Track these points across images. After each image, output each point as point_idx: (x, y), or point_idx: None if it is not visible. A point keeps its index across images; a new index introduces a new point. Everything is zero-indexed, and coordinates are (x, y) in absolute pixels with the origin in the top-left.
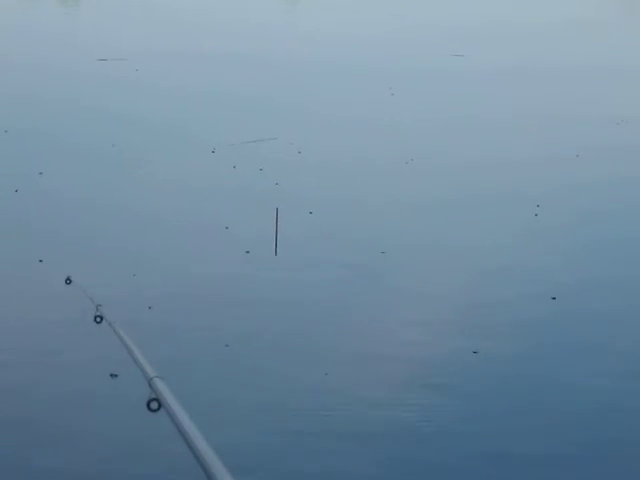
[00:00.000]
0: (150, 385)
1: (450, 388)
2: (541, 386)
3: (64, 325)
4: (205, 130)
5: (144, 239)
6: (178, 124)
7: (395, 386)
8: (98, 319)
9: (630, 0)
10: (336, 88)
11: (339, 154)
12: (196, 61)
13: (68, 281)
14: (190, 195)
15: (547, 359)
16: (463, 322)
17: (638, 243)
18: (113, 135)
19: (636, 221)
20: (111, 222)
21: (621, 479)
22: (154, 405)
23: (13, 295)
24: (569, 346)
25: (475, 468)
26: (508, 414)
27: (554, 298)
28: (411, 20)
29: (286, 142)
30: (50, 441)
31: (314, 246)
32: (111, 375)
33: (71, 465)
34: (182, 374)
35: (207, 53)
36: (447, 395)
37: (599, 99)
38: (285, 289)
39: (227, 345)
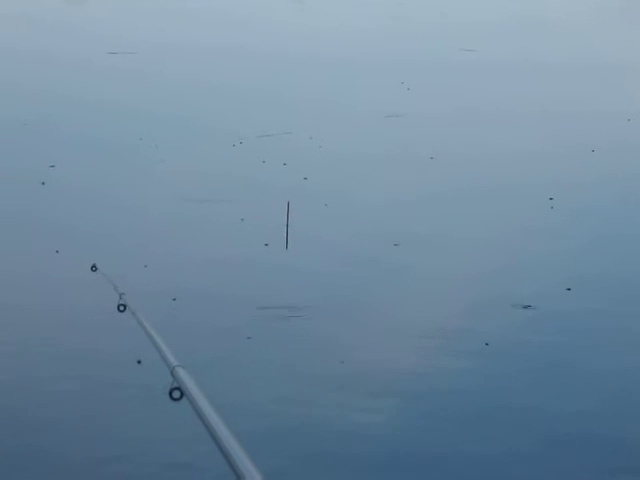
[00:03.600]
0: (172, 374)
1: (461, 379)
2: (555, 377)
3: (87, 313)
4: (217, 123)
5: (157, 231)
6: (191, 117)
7: (407, 376)
8: (121, 307)
9: None
10: (346, 82)
11: (360, 147)
12: (206, 55)
13: (94, 268)
14: (209, 187)
15: (562, 350)
16: (476, 313)
17: None
18: (136, 128)
19: None
20: (127, 214)
21: None
22: (176, 394)
23: (34, 283)
24: (585, 337)
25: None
26: (517, 407)
27: (569, 289)
28: (419, 14)
29: (304, 136)
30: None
31: (326, 239)
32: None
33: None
34: (202, 366)
35: (216, 47)
36: (457, 387)
37: (608, 95)
38: (294, 282)
39: (249, 337)
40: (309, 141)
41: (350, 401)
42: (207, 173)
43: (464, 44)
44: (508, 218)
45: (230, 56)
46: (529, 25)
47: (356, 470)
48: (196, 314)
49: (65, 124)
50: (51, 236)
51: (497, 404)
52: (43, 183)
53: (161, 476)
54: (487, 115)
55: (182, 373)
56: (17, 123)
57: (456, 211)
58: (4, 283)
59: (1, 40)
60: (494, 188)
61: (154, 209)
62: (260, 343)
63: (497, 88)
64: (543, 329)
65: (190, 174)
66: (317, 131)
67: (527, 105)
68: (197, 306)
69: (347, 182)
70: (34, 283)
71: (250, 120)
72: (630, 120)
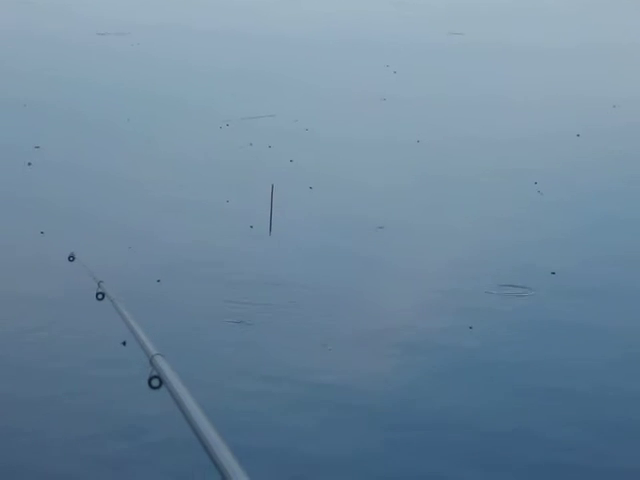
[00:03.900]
0: (151, 363)
1: (444, 364)
2: (538, 363)
3: (65, 302)
4: (204, 104)
5: (143, 213)
6: (179, 99)
7: (387, 368)
8: (100, 296)
9: None
10: (331, 64)
11: (347, 131)
12: (194, 36)
13: (71, 258)
14: (195, 170)
15: (544, 335)
16: (460, 297)
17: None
18: (123, 110)
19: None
20: (113, 195)
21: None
22: (155, 382)
23: (15, 268)
24: (567, 323)
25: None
26: (503, 390)
27: (553, 273)
28: None
29: (289, 119)
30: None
31: (311, 222)
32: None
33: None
34: (181, 350)
35: (204, 28)
36: (441, 375)
37: (593, 80)
38: (277, 267)
39: (240, 322)
40: (294, 124)
41: (332, 391)
42: (194, 155)
43: (452, 27)
44: (494, 203)
45: (218, 38)
46: (515, 9)
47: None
48: (180, 296)
49: (53, 105)
50: (35, 216)
51: (483, 388)
52: (29, 164)
53: (140, 457)
54: (473, 99)
55: (161, 362)
56: (11, 103)
57: (441, 196)
58: None
59: None
60: (480, 173)
61: (140, 190)
62: (243, 327)
63: (483, 72)
64: (527, 313)
65: (176, 156)
66: (302, 114)
67: (513, 90)
68: (181, 288)
69: (333, 165)
70: (16, 265)
71: (236, 102)
72: (615, 107)
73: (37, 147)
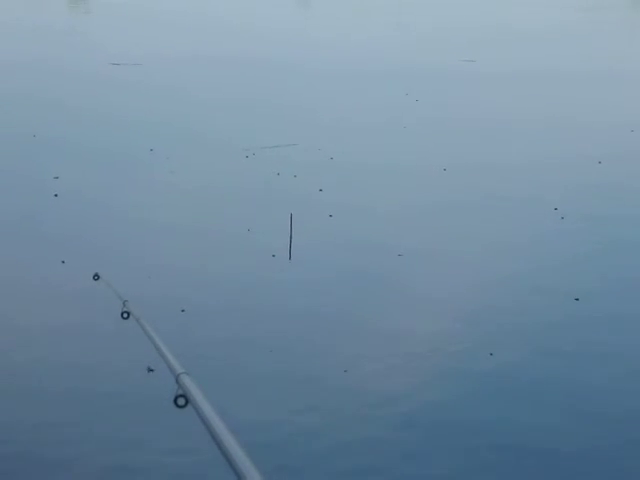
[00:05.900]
0: (177, 381)
1: (465, 391)
2: (562, 388)
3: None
4: (224, 134)
5: (165, 243)
6: (198, 129)
7: (407, 388)
8: (125, 315)
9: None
10: (349, 93)
11: (372, 159)
12: (209, 66)
13: (96, 277)
14: (219, 200)
15: (569, 360)
16: (481, 323)
17: None
18: (144, 140)
19: None
20: (138, 225)
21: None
22: (181, 401)
23: (38, 293)
24: (592, 347)
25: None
26: (527, 416)
27: (577, 299)
28: (418, 26)
29: (313, 148)
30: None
31: (331, 249)
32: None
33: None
34: (212, 376)
35: (219, 58)
36: (462, 399)
37: (610, 105)
38: (296, 294)
39: (271, 351)
40: (318, 153)
41: (354, 412)
42: (217, 184)
43: (463, 55)
44: (516, 229)
45: (231, 67)
46: (528, 34)
47: None
48: (205, 325)
49: (70, 135)
50: (58, 246)
51: (501, 416)
52: (56, 195)
53: None
54: (493, 126)
55: (187, 380)
56: (25, 135)
57: (466, 222)
58: (9, 292)
59: (3, 51)
60: (500, 199)
61: (163, 220)
62: (265, 354)
63: (501, 99)
64: (550, 340)
65: (200, 185)
66: (325, 143)
67: (531, 115)
68: (206, 317)
69: (357, 194)
70: (39, 292)
71: (257, 132)
72: (634, 131)
73: (56, 178)
